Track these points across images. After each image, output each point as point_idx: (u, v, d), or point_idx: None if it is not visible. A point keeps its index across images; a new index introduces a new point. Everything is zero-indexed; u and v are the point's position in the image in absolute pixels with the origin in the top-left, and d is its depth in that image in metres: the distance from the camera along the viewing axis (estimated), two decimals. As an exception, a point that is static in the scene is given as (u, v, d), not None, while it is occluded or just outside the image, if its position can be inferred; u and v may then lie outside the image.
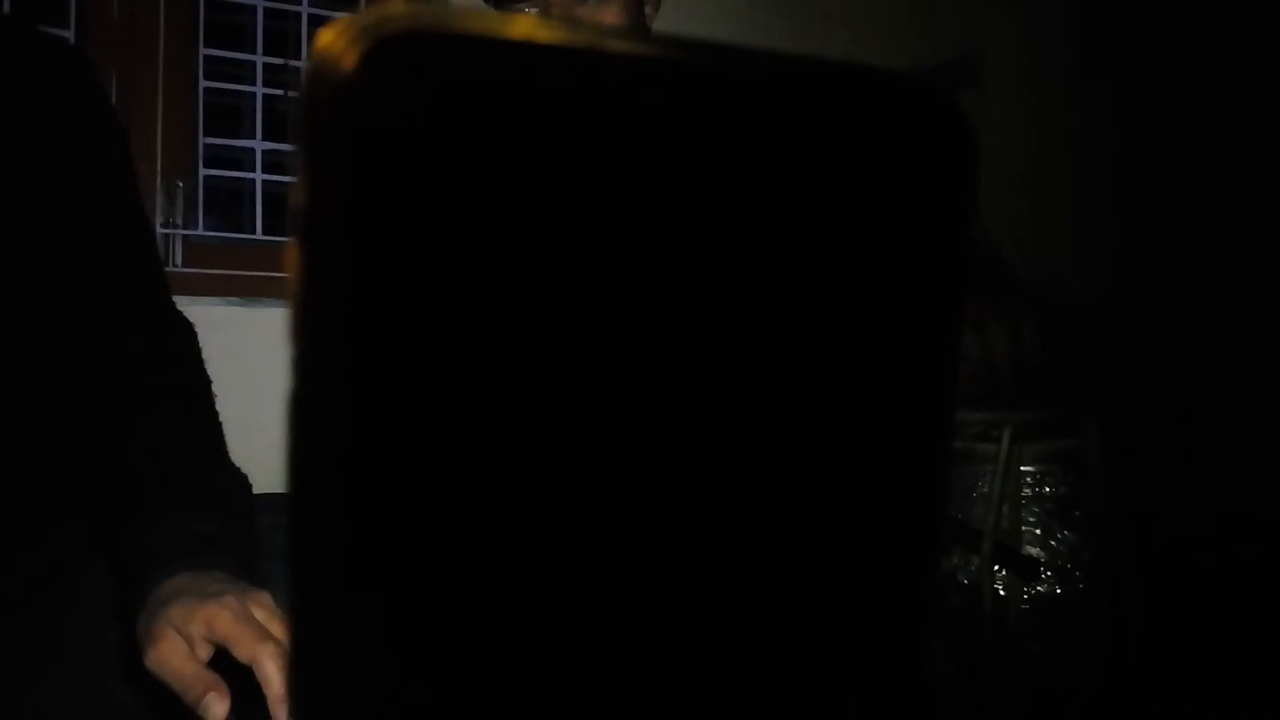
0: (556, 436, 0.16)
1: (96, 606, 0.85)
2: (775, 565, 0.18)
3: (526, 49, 0.15)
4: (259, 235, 1.72)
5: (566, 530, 0.16)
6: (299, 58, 1.76)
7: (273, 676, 0.58)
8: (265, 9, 1.71)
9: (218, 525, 0.71)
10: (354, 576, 0.15)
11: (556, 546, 0.16)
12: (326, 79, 0.14)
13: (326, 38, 0.14)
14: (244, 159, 1.72)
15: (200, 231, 1.65)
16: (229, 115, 1.72)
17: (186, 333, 0.87)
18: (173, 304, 0.89)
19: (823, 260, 0.18)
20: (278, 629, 0.61)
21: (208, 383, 0.85)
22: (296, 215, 0.15)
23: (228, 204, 1.74)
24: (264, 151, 1.73)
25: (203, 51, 1.67)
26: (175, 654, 0.61)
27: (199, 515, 0.71)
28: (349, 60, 0.14)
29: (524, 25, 0.15)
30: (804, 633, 0.19)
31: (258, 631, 0.60)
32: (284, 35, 1.76)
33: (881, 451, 0.19)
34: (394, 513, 0.15)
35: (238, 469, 0.83)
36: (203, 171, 1.66)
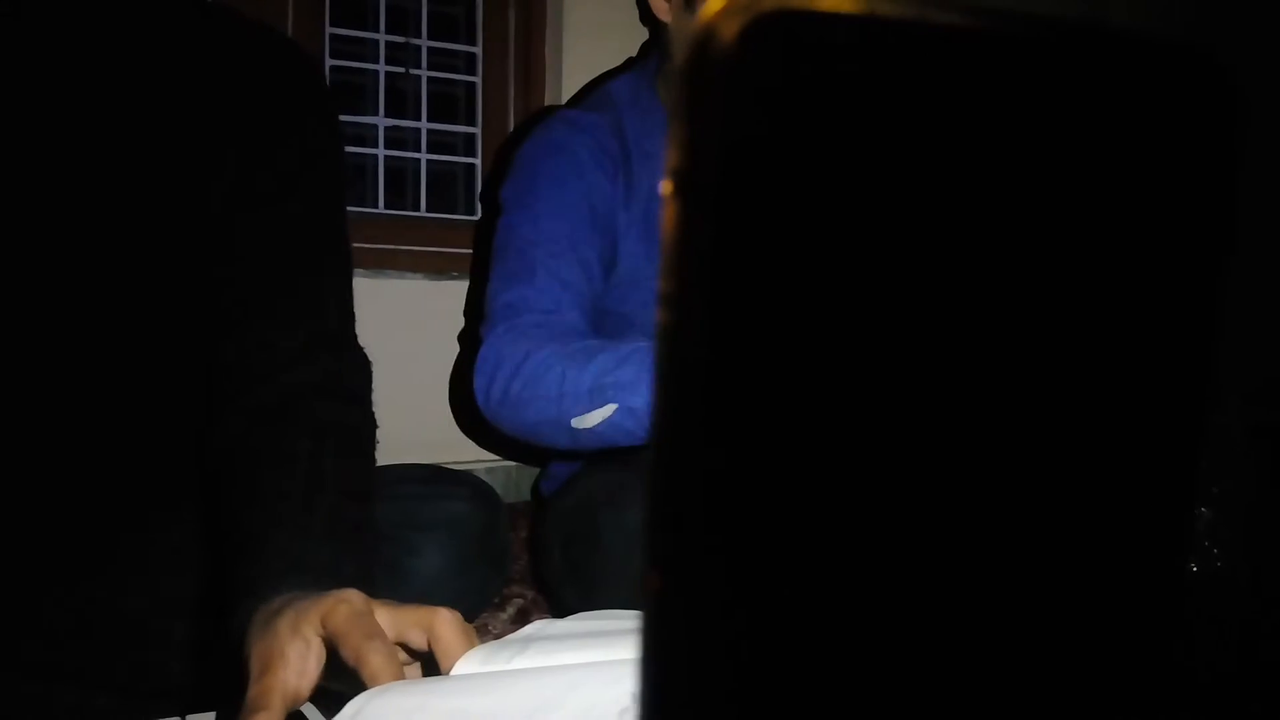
0: (905, 409, 0.17)
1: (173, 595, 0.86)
2: (1052, 557, 0.19)
3: (884, 25, 0.16)
4: (381, 209, 1.78)
5: (910, 517, 0.17)
6: (419, 36, 1.81)
7: (378, 668, 0.53)
8: (388, -12, 1.75)
9: (352, 567, 0.68)
10: (716, 507, 0.17)
11: (898, 530, 0.17)
12: (708, 49, 0.16)
13: (712, 7, 0.16)
14: (367, 135, 1.78)
15: (327, 205, 1.71)
16: (353, 92, 1.77)
17: (364, 369, 0.87)
18: (355, 335, 0.89)
19: (1117, 246, 0.18)
20: (395, 623, 0.57)
21: (374, 425, 0.84)
22: (674, 173, 0.17)
23: (352, 179, 1.80)
24: (386, 128, 1.78)
25: (329, 30, 1.73)
26: (280, 683, 0.55)
27: (329, 549, 0.68)
28: (729, 32, 0.16)
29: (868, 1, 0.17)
30: (1071, 632, 0.19)
31: (368, 628, 0.56)
32: (404, 14, 1.81)
33: (1156, 441, 0.19)
34: (750, 448, 0.17)
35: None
36: (329, 147, 1.72)
